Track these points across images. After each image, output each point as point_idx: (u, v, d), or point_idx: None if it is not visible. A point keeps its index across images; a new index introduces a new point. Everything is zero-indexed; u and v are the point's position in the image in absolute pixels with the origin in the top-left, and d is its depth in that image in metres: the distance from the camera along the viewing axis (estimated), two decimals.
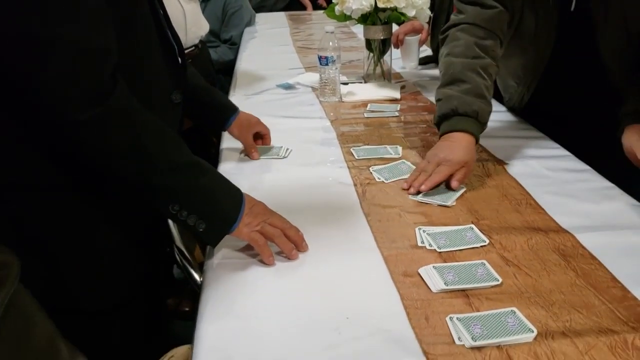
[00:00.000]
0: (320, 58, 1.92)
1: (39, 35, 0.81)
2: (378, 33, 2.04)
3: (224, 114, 1.52)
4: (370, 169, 1.40)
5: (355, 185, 1.34)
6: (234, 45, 3.22)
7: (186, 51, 2.11)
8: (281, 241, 1.04)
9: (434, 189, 1.27)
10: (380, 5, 1.92)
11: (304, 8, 5.40)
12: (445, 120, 1.37)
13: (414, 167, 1.39)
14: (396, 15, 1.97)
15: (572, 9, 1.38)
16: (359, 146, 1.55)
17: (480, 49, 1.43)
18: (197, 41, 2.16)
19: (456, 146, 1.31)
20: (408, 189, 1.28)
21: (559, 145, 1.54)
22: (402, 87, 2.09)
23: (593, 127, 1.43)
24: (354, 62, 2.46)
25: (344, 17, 2.03)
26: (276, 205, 1.12)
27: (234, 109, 1.53)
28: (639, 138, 1.28)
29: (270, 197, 1.15)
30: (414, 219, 1.17)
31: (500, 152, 1.50)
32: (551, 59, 1.49)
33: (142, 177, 0.95)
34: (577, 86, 1.49)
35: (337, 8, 2.03)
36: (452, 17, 1.55)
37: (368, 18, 1.99)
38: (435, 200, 1.24)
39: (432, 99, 1.96)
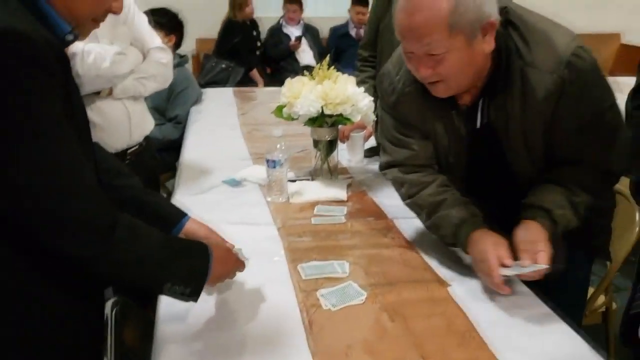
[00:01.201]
0: (268, 161, 1.93)
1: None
2: (325, 134, 2.07)
3: (168, 226, 1.44)
4: (318, 293, 1.40)
5: (301, 312, 1.33)
6: (180, 124, 3.21)
7: (130, 150, 2.09)
8: None
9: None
10: (327, 112, 1.96)
11: (256, 84, 5.48)
12: (458, 232, 1.50)
13: (361, 290, 1.40)
14: (342, 120, 2.01)
15: (478, 126, 1.47)
16: (306, 262, 1.55)
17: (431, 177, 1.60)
18: (141, 139, 2.14)
19: (481, 241, 1.44)
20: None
21: None
22: (349, 185, 2.12)
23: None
24: (304, 151, 2.47)
25: (291, 118, 2.06)
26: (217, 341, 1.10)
27: (177, 220, 1.45)
28: (526, 235, 1.39)
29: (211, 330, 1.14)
30: (361, 359, 1.17)
31: (444, 268, 1.53)
32: (468, 171, 1.58)
33: (149, 282, 1.17)
34: (496, 193, 1.57)
35: (285, 110, 2.05)
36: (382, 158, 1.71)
37: (315, 121, 2.02)
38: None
39: (377, 199, 2.02)
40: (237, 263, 1.37)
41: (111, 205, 1.06)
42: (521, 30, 1.37)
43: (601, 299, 2.05)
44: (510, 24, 1.38)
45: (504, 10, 1.37)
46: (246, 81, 5.46)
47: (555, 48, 1.35)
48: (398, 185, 1.66)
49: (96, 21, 1.13)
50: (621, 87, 4.20)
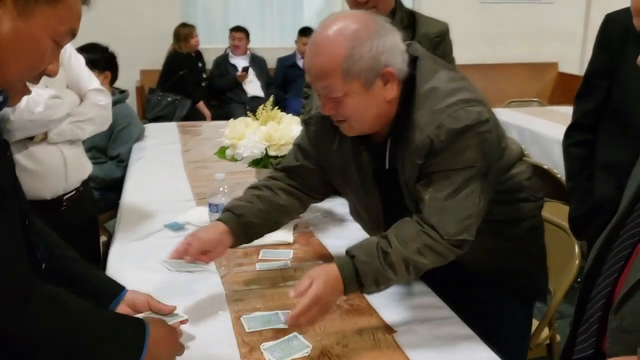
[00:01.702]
0: (210, 205, 1.89)
1: None
2: None
3: (104, 301, 1.36)
4: (262, 347, 1.36)
5: None
6: (122, 162, 3.13)
7: (66, 196, 2.02)
8: None
9: None
10: (272, 153, 1.94)
11: (203, 117, 5.44)
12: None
13: (306, 342, 1.37)
14: None
15: (387, 166, 1.51)
16: (250, 314, 1.50)
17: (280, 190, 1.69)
18: (78, 184, 2.07)
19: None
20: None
21: (443, 304, 1.57)
22: (295, 226, 2.09)
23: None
24: None
25: (235, 160, 2.03)
26: None
27: (115, 294, 1.38)
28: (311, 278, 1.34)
29: None
30: None
31: (390, 312, 1.51)
32: (385, 210, 1.60)
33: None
34: None
35: (228, 152, 2.02)
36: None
37: (260, 162, 2.00)
38: None
39: (325, 240, 2.00)
40: (176, 346, 1.25)
41: (29, 277, 0.98)
42: (416, 87, 1.42)
43: (545, 331, 2.07)
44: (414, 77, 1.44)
45: (412, 61, 1.44)
46: (193, 114, 5.41)
47: (434, 109, 1.38)
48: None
49: (28, 85, 1.06)
50: (559, 117, 4.36)
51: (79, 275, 1.32)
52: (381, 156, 1.51)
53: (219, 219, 1.59)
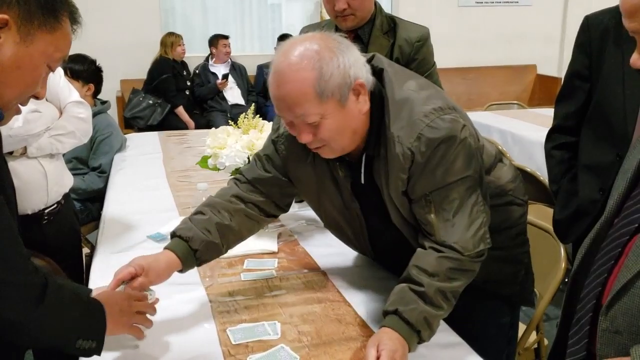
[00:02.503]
0: None
1: None
2: None
3: None
4: (248, 359, 1.35)
5: None
6: (104, 173, 3.10)
7: (47, 210, 1.99)
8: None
9: None
10: None
11: (182, 123, 5.41)
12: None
13: (294, 353, 1.36)
14: None
15: (362, 181, 1.50)
16: (235, 326, 1.49)
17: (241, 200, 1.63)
18: (59, 198, 2.04)
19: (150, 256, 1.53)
20: None
21: None
22: (279, 235, 2.08)
23: None
24: None
25: (217, 169, 2.02)
26: None
27: None
28: (375, 344, 1.27)
29: None
30: None
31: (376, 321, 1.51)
32: (367, 221, 1.59)
33: (66, 341, 1.20)
34: (397, 248, 1.56)
35: (210, 161, 2.01)
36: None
37: None
38: None
39: (309, 248, 1.99)
40: (135, 308, 1.36)
41: (40, 272, 1.11)
42: (387, 100, 1.40)
43: (533, 335, 2.07)
44: (382, 88, 1.42)
45: (378, 73, 1.43)
46: (171, 119, 5.39)
47: (411, 120, 1.37)
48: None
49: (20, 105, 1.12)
50: (540, 119, 4.38)
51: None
52: (357, 170, 1.50)
53: (167, 247, 1.53)
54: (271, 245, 1.98)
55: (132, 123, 5.43)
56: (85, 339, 1.20)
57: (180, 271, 1.53)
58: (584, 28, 1.79)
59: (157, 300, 1.47)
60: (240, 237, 1.65)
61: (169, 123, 5.32)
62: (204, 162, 2.06)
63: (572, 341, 1.18)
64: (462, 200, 1.38)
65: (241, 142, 1.96)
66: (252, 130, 1.99)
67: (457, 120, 1.38)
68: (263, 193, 1.63)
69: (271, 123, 2.05)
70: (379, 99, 1.41)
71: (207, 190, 1.89)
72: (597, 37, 1.72)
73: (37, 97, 1.12)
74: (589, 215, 1.76)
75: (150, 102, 5.43)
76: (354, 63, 1.35)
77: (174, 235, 1.55)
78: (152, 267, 1.45)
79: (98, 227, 2.34)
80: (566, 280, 1.97)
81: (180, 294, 1.66)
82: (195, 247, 1.52)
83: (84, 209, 3.09)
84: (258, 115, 2.05)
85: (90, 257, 2.40)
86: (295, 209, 2.37)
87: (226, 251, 1.63)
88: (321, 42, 1.34)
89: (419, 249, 1.42)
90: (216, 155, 1.98)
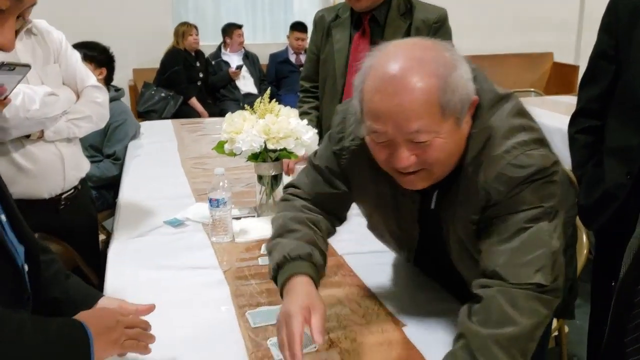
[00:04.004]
0: (211, 200, 1.86)
1: None
2: (269, 170, 2.02)
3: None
4: (268, 342, 1.33)
5: None
6: (118, 160, 3.09)
7: (64, 195, 1.98)
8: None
9: None
10: (270, 146, 1.91)
11: (195, 114, 5.39)
12: (280, 269, 1.26)
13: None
14: (286, 154, 1.97)
15: (433, 206, 1.31)
16: (254, 309, 1.48)
17: (311, 211, 1.42)
18: (76, 183, 2.03)
19: (294, 295, 1.17)
20: None
21: (452, 297, 1.55)
22: None
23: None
24: (248, 185, 2.42)
25: (234, 154, 2.00)
26: None
27: (95, 301, 1.30)
28: None
29: None
30: None
31: (398, 306, 1.49)
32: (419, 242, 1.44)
33: None
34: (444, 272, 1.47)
35: (226, 146, 1.99)
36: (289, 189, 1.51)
37: (258, 156, 1.97)
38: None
39: None
40: (127, 325, 1.13)
41: None
42: (477, 125, 1.17)
43: (554, 322, 2.05)
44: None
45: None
46: (185, 111, 5.38)
47: (491, 156, 1.16)
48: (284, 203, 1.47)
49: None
50: (558, 106, 4.33)
51: (54, 283, 1.26)
52: (427, 196, 1.30)
53: (294, 273, 1.24)
54: None
55: (146, 117, 5.43)
56: None
57: None
58: (610, 8, 1.75)
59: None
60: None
61: (183, 115, 5.30)
62: (220, 147, 2.04)
63: (631, 349, 1.06)
64: (520, 229, 1.15)
65: (257, 126, 1.94)
66: (268, 114, 1.97)
67: (545, 158, 1.16)
68: (325, 210, 1.43)
69: (287, 108, 2.05)
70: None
71: (224, 174, 1.87)
72: (626, 16, 1.68)
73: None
74: (616, 201, 1.72)
75: (163, 95, 5.41)
76: (470, 74, 1.13)
77: (287, 260, 1.26)
78: (315, 302, 1.17)
79: (113, 214, 2.34)
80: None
81: (198, 277, 1.65)
82: (319, 262, 1.29)
83: (98, 196, 3.09)
84: (274, 100, 2.03)
85: (106, 243, 2.41)
86: None
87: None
88: (434, 44, 1.13)
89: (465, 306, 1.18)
90: (232, 140, 1.96)
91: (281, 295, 1.24)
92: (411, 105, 1.06)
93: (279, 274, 1.26)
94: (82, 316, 1.07)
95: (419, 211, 1.33)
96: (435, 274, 1.59)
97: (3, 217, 1.02)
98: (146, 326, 1.17)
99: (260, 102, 2.00)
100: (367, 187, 1.38)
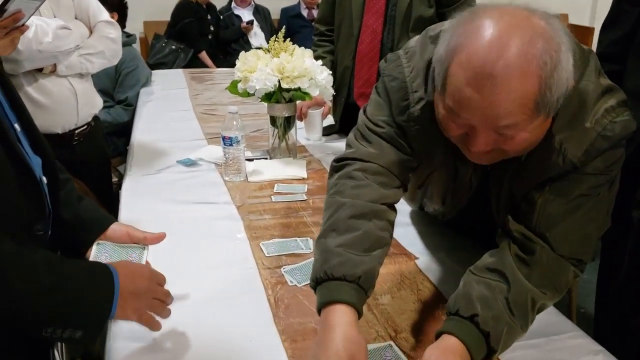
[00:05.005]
0: (224, 138, 1.86)
1: None
2: (282, 111, 2.01)
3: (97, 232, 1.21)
4: (282, 270, 1.34)
5: (266, 289, 1.27)
6: (130, 106, 3.09)
7: (78, 130, 1.98)
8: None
9: None
10: (285, 85, 1.89)
11: (205, 66, 5.34)
12: (318, 285, 1.07)
13: None
14: (300, 95, 1.95)
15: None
16: (268, 240, 1.49)
17: (381, 196, 1.18)
18: (89, 119, 2.03)
19: (330, 336, 0.97)
20: None
21: (466, 236, 1.55)
22: (308, 163, 2.07)
23: None
24: (259, 131, 2.41)
25: (247, 94, 1.99)
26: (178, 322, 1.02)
27: (99, 231, 1.21)
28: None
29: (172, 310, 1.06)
30: None
31: (410, 241, 1.49)
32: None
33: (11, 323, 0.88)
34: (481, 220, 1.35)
35: (239, 85, 1.97)
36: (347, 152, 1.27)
37: (272, 96, 1.96)
38: None
39: None
40: (155, 293, 1.06)
41: None
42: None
43: None
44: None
45: None
46: (195, 64, 5.33)
47: (582, 127, 1.07)
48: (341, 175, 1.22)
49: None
50: None
51: (67, 203, 1.20)
52: (485, 170, 1.22)
53: (337, 301, 1.02)
54: (301, 171, 1.97)
55: (156, 69, 5.39)
56: (60, 329, 0.89)
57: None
58: None
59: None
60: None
61: (188, 65, 5.27)
62: (233, 86, 2.02)
63: None
64: (582, 195, 1.10)
65: (271, 65, 1.92)
66: (283, 53, 1.94)
67: (631, 122, 1.09)
68: (399, 179, 1.23)
69: (302, 48, 2.02)
70: None
71: (237, 113, 1.86)
72: None
73: None
74: (633, 144, 1.70)
75: (173, 47, 5.36)
76: (571, 60, 0.98)
77: (328, 278, 1.05)
78: (351, 348, 0.96)
79: (125, 160, 2.35)
80: None
81: (211, 211, 1.66)
82: (367, 286, 1.06)
83: (110, 142, 3.09)
84: (289, 39, 2.00)
85: (119, 185, 2.42)
86: (323, 141, 2.36)
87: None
88: (542, 30, 0.95)
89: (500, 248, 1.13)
90: (246, 78, 1.94)
91: (318, 312, 1.05)
92: (506, 104, 0.94)
93: (317, 290, 1.07)
94: (118, 267, 1.00)
95: (477, 182, 1.25)
96: (459, 227, 1.56)
97: (17, 126, 1.00)
98: (168, 299, 1.08)
99: (275, 40, 1.97)
100: (433, 154, 1.23)
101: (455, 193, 1.31)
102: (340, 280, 1.03)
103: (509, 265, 1.07)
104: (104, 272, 0.96)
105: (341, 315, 0.99)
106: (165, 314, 1.07)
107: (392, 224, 1.18)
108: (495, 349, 1.00)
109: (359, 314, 1.03)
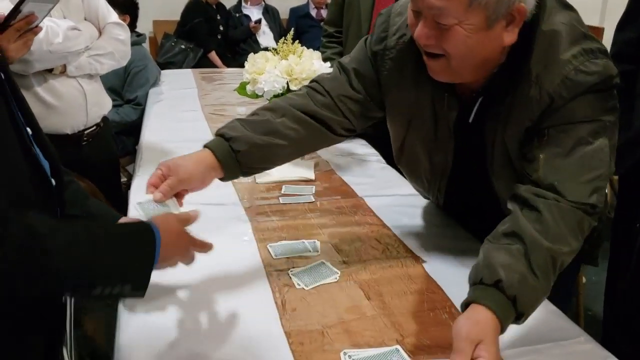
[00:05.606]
0: None
1: None
2: None
3: None
4: (290, 272, 1.35)
5: (273, 292, 1.28)
6: (139, 106, 3.10)
7: (87, 131, 2.00)
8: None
9: None
10: (293, 87, 1.90)
11: (215, 66, 5.35)
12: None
13: (335, 268, 1.36)
14: None
15: (471, 120, 1.29)
16: (275, 242, 1.49)
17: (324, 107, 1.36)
18: (98, 120, 2.04)
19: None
20: None
21: (470, 236, 1.55)
22: (316, 165, 2.07)
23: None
24: None
25: (256, 96, 1.99)
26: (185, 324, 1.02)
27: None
28: (465, 328, 0.97)
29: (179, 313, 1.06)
30: (338, 339, 1.12)
31: (418, 245, 1.49)
32: (453, 165, 1.39)
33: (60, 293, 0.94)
34: (480, 191, 1.40)
35: (248, 87, 1.98)
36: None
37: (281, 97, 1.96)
38: None
39: (346, 177, 1.98)
40: (190, 242, 1.15)
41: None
42: (539, 30, 1.14)
43: None
44: (541, 15, 1.15)
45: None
46: (204, 64, 5.35)
47: (557, 59, 1.13)
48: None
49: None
50: None
51: (74, 201, 1.24)
52: (466, 109, 1.28)
53: (206, 146, 1.28)
54: (308, 173, 1.97)
55: (165, 69, 5.41)
56: (109, 288, 0.92)
57: (222, 179, 1.30)
58: None
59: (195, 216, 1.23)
60: (299, 152, 1.42)
61: (197, 65, 5.28)
62: (242, 88, 2.04)
63: None
64: (581, 142, 1.13)
65: (280, 67, 1.93)
66: (291, 55, 1.95)
67: (612, 66, 1.14)
68: (340, 111, 1.37)
69: (310, 50, 2.03)
70: (528, 29, 1.14)
71: (246, 114, 1.86)
72: None
73: None
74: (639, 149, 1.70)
75: (183, 47, 5.38)
76: None
77: (216, 135, 1.30)
78: (180, 164, 1.22)
79: (134, 160, 2.35)
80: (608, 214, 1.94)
81: (219, 212, 1.66)
82: (238, 148, 1.26)
83: (118, 141, 3.11)
84: (297, 41, 2.01)
85: (127, 185, 2.43)
86: None
87: (278, 164, 1.41)
88: None
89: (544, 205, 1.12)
90: (255, 80, 1.95)
91: None
92: None
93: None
94: (154, 220, 1.05)
95: (455, 125, 1.30)
96: (463, 211, 1.58)
97: (29, 130, 1.02)
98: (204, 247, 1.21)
99: (284, 42, 1.98)
100: (404, 98, 1.33)
101: (439, 148, 1.36)
102: (220, 137, 1.29)
103: (524, 226, 1.09)
104: (142, 226, 1.02)
105: (199, 151, 1.30)
106: (207, 248, 1.20)
107: (305, 132, 1.34)
108: (522, 313, 1.02)
109: (223, 167, 1.27)
